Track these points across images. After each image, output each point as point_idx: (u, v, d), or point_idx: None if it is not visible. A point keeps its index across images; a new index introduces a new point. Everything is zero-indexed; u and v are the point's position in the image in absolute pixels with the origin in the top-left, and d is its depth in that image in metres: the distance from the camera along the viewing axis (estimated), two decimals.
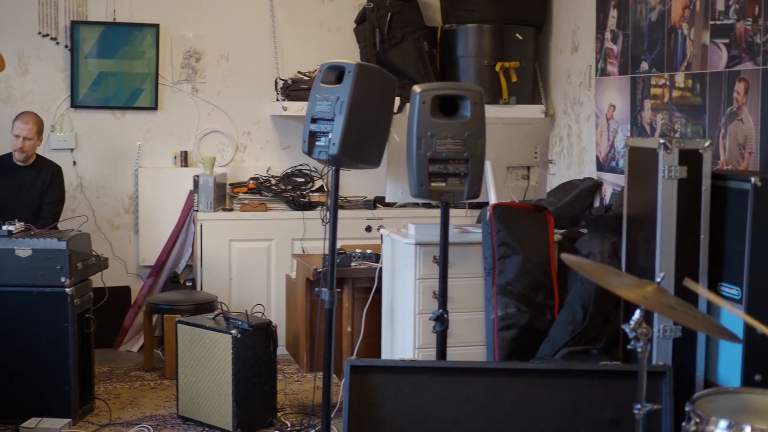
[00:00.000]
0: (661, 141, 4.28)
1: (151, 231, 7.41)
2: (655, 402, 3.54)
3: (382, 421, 4.14)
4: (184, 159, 7.51)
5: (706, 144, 4.31)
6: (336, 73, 4.67)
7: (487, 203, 5.21)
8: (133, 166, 7.47)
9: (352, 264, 5.74)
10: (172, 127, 7.53)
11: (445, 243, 4.71)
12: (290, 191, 7.32)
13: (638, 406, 3.47)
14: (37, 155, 6.78)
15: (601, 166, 6.68)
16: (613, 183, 6.49)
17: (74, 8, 7.24)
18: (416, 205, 7.10)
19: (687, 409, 3.35)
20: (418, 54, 7.46)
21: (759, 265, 4.11)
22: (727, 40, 5.29)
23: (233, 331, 5.40)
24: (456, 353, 4.95)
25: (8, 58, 6.89)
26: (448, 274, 4.73)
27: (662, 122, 5.93)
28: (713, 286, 4.34)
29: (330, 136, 4.57)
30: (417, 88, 4.62)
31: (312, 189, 7.40)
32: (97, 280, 5.94)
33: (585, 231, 5.28)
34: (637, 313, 3.39)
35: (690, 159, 4.29)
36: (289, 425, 5.59)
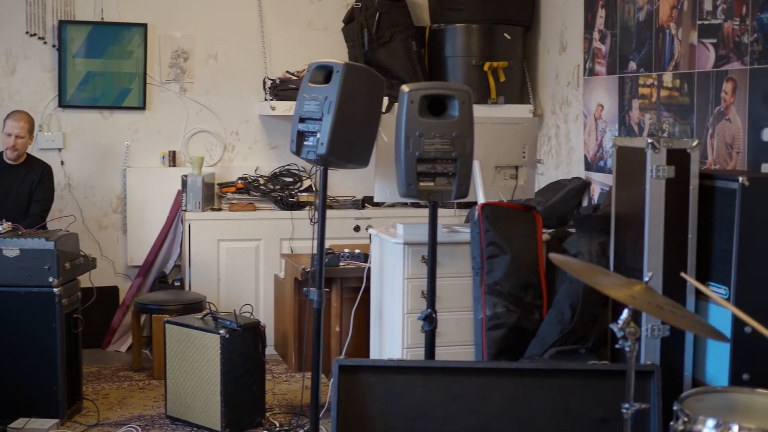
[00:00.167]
0: (649, 141, 4.29)
1: (140, 231, 7.39)
2: (643, 401, 3.55)
3: (371, 420, 4.14)
4: (173, 159, 7.50)
5: (694, 144, 4.32)
6: (324, 73, 4.67)
7: (475, 203, 5.21)
8: (121, 166, 7.45)
9: (341, 264, 5.75)
10: (160, 126, 7.52)
11: (433, 243, 4.71)
12: (279, 191, 7.31)
13: (626, 405, 3.47)
14: (28, 154, 6.77)
15: (589, 166, 6.69)
16: (601, 182, 6.50)
17: (62, 8, 7.22)
18: (405, 204, 7.10)
19: (675, 408, 3.36)
20: (407, 54, 7.46)
21: (747, 264, 4.11)
22: (714, 40, 5.30)
23: (221, 331, 5.40)
24: (444, 353, 4.95)
25: None
26: (437, 274, 4.73)
27: (650, 122, 5.94)
28: None
29: (318, 135, 4.58)
30: (405, 88, 4.62)
31: (300, 189, 7.40)
32: (85, 280, 5.93)
33: (573, 230, 5.29)
34: (625, 313, 3.40)
35: (678, 158, 4.29)
36: (278, 425, 5.59)
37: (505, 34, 7.34)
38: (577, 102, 6.86)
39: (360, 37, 7.43)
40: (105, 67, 7.32)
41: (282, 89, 7.30)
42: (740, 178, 4.11)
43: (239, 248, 7.12)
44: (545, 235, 5.21)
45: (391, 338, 5.20)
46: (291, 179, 7.45)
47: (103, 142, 7.41)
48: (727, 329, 4.10)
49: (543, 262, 5.04)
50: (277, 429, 5.53)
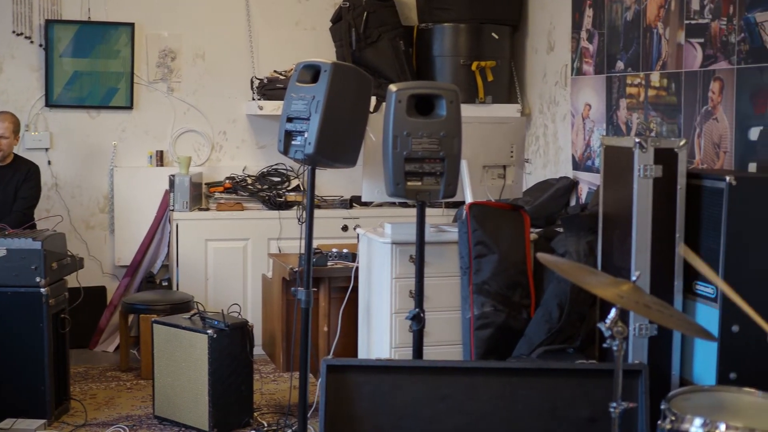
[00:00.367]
0: (637, 140, 4.30)
1: (127, 231, 7.38)
2: (630, 400, 3.55)
3: (359, 420, 4.13)
4: (160, 158, 7.48)
5: (681, 143, 4.33)
6: (312, 72, 4.66)
7: (463, 202, 5.22)
8: (108, 166, 7.43)
9: (329, 263, 5.74)
10: (148, 126, 7.51)
11: (421, 242, 4.71)
12: (266, 191, 7.30)
13: (614, 404, 3.48)
14: (15, 155, 6.74)
15: (576, 165, 6.70)
16: (588, 182, 6.51)
17: (49, 7, 7.20)
18: (392, 204, 7.11)
19: (662, 407, 3.36)
20: (394, 53, 7.46)
21: (734, 263, 4.12)
22: (702, 40, 5.31)
23: (209, 331, 5.39)
24: (432, 352, 4.95)
25: None
26: (425, 273, 4.73)
27: (638, 121, 5.95)
28: (689, 285, 4.36)
29: (306, 135, 4.57)
30: (393, 87, 4.62)
31: (288, 188, 7.39)
32: (72, 280, 5.92)
33: (561, 230, 5.29)
34: (613, 312, 3.40)
35: (665, 158, 4.30)
36: (266, 425, 5.58)
37: (493, 34, 7.35)
38: (565, 101, 6.87)
39: (348, 36, 7.42)
40: (92, 67, 7.30)
41: (270, 89, 7.29)
42: (727, 178, 4.13)
43: (227, 248, 7.11)
44: (533, 234, 5.21)
45: (379, 338, 5.20)
46: (279, 179, 7.44)
47: (91, 141, 7.39)
48: (714, 328, 4.11)
49: (531, 262, 5.04)
50: (265, 429, 5.52)
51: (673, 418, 3.29)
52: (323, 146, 4.55)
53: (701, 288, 4.29)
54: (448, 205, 7.03)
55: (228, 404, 5.45)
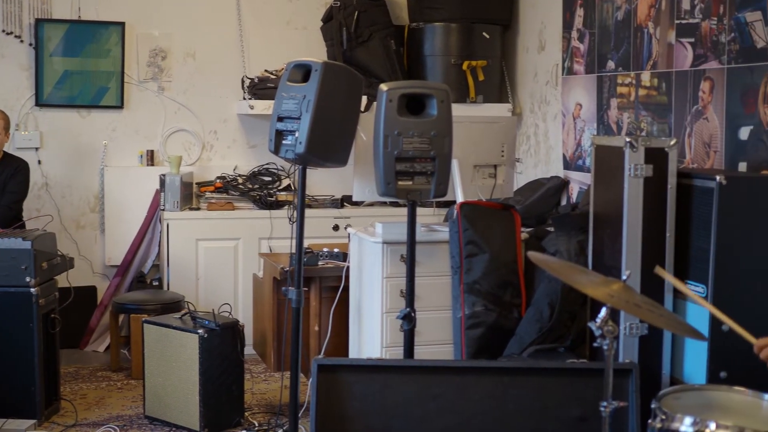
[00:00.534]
0: (627, 139, 4.30)
1: (117, 230, 7.36)
2: (621, 399, 3.55)
3: (350, 420, 4.13)
4: (151, 158, 7.47)
5: (672, 142, 4.33)
6: (302, 72, 4.66)
7: (454, 202, 5.21)
8: (98, 165, 7.42)
9: (320, 263, 5.73)
10: (138, 125, 7.49)
11: (412, 242, 4.71)
12: (257, 190, 7.30)
13: (604, 403, 3.48)
14: (5, 152, 6.72)
15: (567, 165, 6.70)
16: (579, 181, 6.51)
17: (38, 6, 7.18)
18: (383, 203, 7.10)
19: (653, 406, 3.37)
20: (385, 52, 7.46)
21: (724, 262, 4.13)
22: (692, 39, 5.32)
23: (200, 331, 5.38)
24: (423, 352, 4.95)
25: None
26: (416, 273, 4.73)
27: (628, 121, 5.95)
28: None
29: (297, 134, 4.57)
30: (384, 87, 4.62)
31: (279, 188, 7.38)
32: (62, 280, 5.90)
33: (552, 229, 5.29)
34: (604, 311, 3.40)
35: (656, 157, 4.31)
36: (257, 425, 5.58)
37: (484, 33, 7.35)
38: (556, 101, 6.88)
39: (339, 35, 7.42)
40: (82, 66, 7.28)
41: (260, 88, 7.29)
42: (718, 177, 4.13)
43: (218, 247, 7.10)
44: (524, 233, 5.21)
45: (370, 337, 5.20)
46: (269, 178, 7.43)
47: (81, 141, 7.38)
48: (704, 328, 4.11)
49: (522, 261, 5.04)
50: (256, 429, 5.52)
51: (664, 417, 3.29)
52: (314, 146, 4.54)
53: (692, 287, 4.29)
54: (439, 205, 7.03)
55: (219, 404, 5.45)
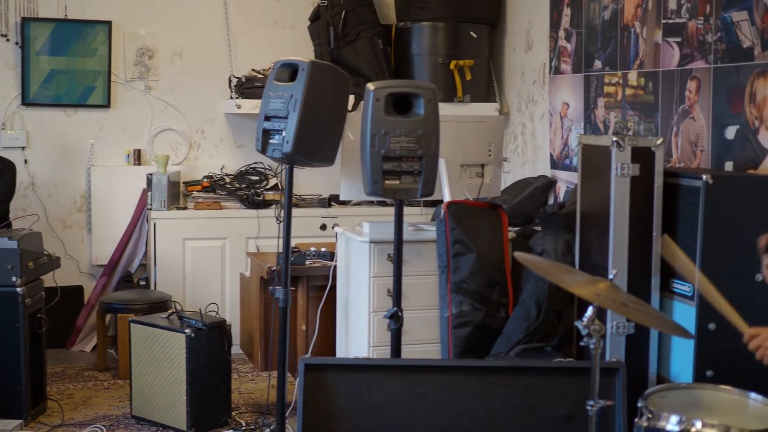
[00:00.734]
0: (614, 139, 4.31)
1: (104, 230, 7.35)
2: (608, 398, 3.56)
3: (337, 419, 4.13)
4: (137, 157, 7.46)
5: (659, 142, 4.34)
6: (290, 71, 4.65)
7: (441, 201, 5.21)
8: (85, 165, 7.40)
9: (307, 262, 5.73)
10: (125, 125, 7.48)
11: (399, 241, 4.71)
12: (244, 189, 7.29)
13: (591, 402, 3.48)
14: None
15: (555, 164, 6.71)
16: (566, 181, 6.52)
17: (25, 4, 7.16)
18: (371, 203, 7.10)
19: (639, 404, 3.37)
20: (373, 52, 7.45)
21: (710, 261, 4.14)
22: (679, 39, 5.33)
23: (187, 331, 5.37)
24: (411, 351, 4.95)
25: None
26: (403, 272, 4.73)
27: (615, 120, 5.96)
28: (666, 283, 4.38)
29: (284, 133, 4.56)
30: (371, 86, 4.61)
31: (266, 187, 7.38)
32: (49, 280, 5.89)
33: (539, 228, 5.30)
34: (590, 310, 3.41)
35: (642, 156, 4.32)
36: (244, 424, 5.57)
37: (471, 33, 7.35)
38: (543, 100, 6.88)
39: (326, 35, 7.42)
40: (69, 65, 7.26)
41: (248, 87, 7.28)
42: (704, 176, 4.14)
43: (205, 247, 7.09)
44: (511, 233, 5.22)
45: (358, 337, 5.19)
46: (257, 177, 7.43)
47: (67, 140, 7.36)
48: (691, 326, 4.12)
49: (509, 260, 5.05)
50: (243, 428, 5.51)
51: (650, 415, 3.30)
52: (301, 145, 4.54)
53: (678, 286, 4.31)
54: (426, 204, 7.03)
55: (206, 404, 5.44)
